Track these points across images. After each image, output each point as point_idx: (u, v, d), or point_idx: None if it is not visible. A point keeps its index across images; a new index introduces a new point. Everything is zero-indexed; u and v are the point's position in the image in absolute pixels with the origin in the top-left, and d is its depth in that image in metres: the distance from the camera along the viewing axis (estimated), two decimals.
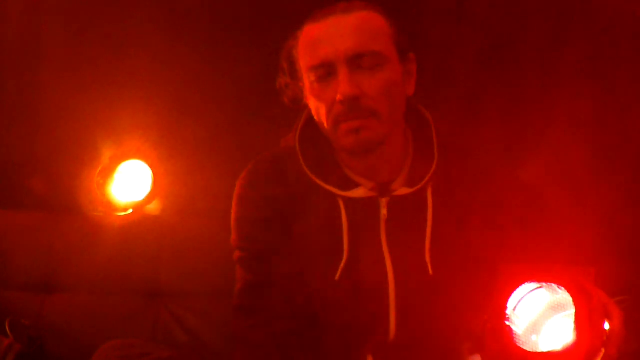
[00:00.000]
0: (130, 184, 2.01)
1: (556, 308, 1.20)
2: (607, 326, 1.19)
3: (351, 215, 1.44)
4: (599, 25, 1.91)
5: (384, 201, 1.45)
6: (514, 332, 1.21)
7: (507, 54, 1.98)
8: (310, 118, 1.51)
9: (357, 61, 1.37)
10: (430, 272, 1.42)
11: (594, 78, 1.91)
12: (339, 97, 1.36)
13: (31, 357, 1.69)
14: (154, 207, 2.05)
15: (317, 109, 1.43)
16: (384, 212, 1.45)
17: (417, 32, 1.90)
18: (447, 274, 1.42)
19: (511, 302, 1.22)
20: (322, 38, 1.40)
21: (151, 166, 2.02)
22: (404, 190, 1.45)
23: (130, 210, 2.01)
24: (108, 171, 2.00)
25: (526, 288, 1.22)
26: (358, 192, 1.45)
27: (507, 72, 1.98)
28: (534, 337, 1.22)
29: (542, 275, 1.20)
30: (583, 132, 1.86)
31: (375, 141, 1.40)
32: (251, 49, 2.05)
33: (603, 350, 1.17)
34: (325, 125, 1.42)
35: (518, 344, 1.20)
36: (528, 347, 1.20)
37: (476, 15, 1.99)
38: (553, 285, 1.19)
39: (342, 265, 1.43)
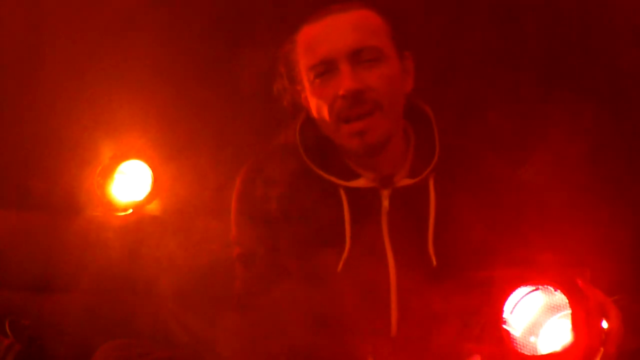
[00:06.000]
0: (130, 184, 2.01)
1: (553, 310, 1.20)
2: (605, 325, 1.19)
3: (353, 206, 1.44)
4: (599, 25, 1.91)
5: (385, 193, 1.45)
6: (512, 336, 1.21)
7: (508, 54, 1.98)
8: (309, 118, 1.50)
9: (357, 56, 1.38)
10: (434, 263, 1.42)
11: (595, 79, 1.91)
12: (341, 91, 1.36)
13: (31, 357, 1.70)
14: (154, 207, 2.05)
15: (318, 107, 1.42)
16: (385, 203, 1.44)
17: (418, 32, 1.90)
18: (451, 265, 1.41)
19: (507, 306, 1.22)
20: (321, 36, 1.40)
21: (151, 166, 2.02)
22: (405, 182, 1.45)
23: (130, 210, 2.01)
24: (108, 171, 2.00)
25: (522, 291, 1.22)
26: (360, 182, 1.45)
27: (508, 73, 1.98)
28: (532, 340, 1.22)
29: (537, 278, 1.20)
30: (583, 132, 1.86)
31: (380, 142, 1.40)
32: (252, 49, 2.04)
33: (602, 349, 1.17)
34: (328, 122, 1.41)
35: (517, 348, 1.20)
36: (527, 350, 1.20)
37: (477, 15, 1.99)
38: (548, 287, 1.20)
39: (344, 256, 1.42)
